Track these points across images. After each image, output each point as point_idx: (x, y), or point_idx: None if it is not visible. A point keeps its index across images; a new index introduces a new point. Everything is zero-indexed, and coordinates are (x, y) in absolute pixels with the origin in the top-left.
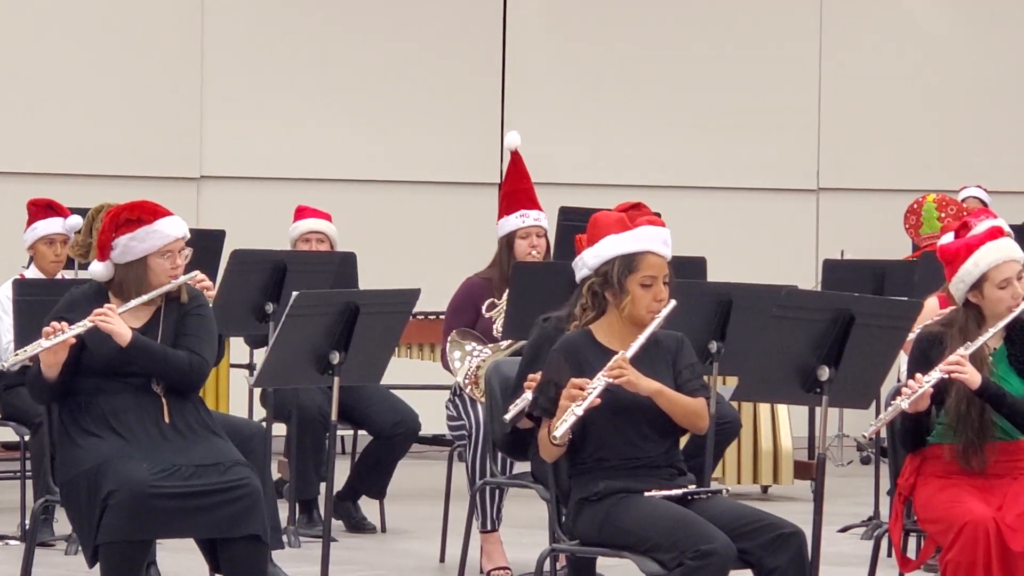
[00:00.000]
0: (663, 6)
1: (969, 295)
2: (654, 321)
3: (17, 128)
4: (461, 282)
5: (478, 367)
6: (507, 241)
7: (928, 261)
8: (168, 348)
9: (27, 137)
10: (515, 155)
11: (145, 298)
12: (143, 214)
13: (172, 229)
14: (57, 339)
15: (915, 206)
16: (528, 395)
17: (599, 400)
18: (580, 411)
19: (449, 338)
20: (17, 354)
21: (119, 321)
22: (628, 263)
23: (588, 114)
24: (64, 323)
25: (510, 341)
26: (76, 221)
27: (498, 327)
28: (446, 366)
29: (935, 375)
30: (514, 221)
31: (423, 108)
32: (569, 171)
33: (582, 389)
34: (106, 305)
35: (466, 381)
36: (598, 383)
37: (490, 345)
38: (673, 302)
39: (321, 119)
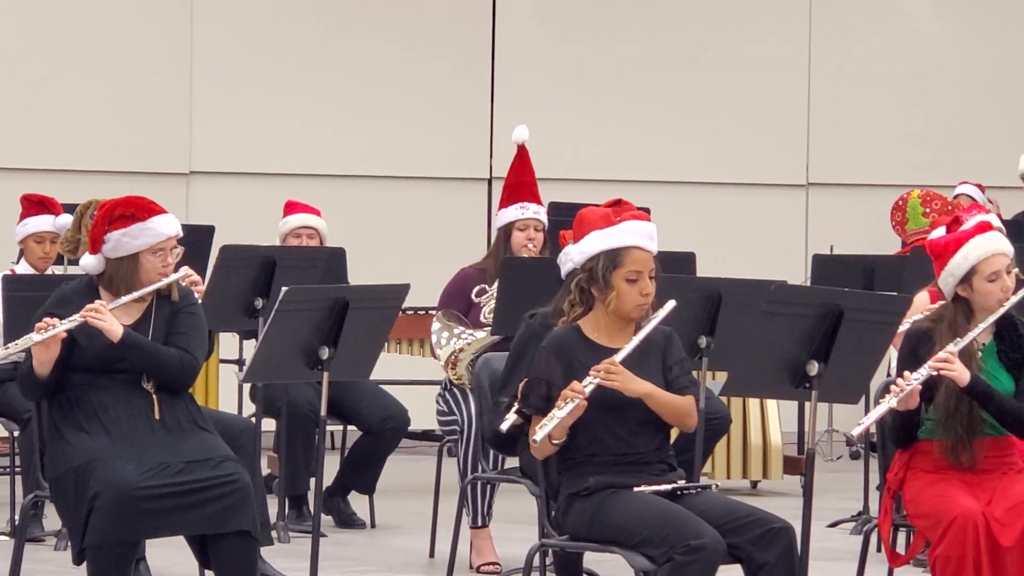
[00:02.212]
0: (653, 3)
1: (958, 289)
2: (651, 322)
3: (7, 124)
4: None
5: (460, 350)
6: (505, 232)
7: (917, 256)
8: (160, 345)
9: (17, 133)
10: (522, 149)
11: (136, 295)
12: (137, 211)
13: (165, 227)
14: (48, 334)
15: (900, 202)
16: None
17: (585, 404)
18: (562, 415)
19: (436, 316)
20: (8, 348)
21: (110, 317)
22: (613, 258)
23: (577, 110)
24: (55, 319)
25: (496, 334)
26: (67, 220)
27: (486, 312)
28: (433, 353)
29: (923, 372)
30: (513, 212)
31: (413, 104)
32: (559, 167)
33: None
34: (97, 302)
35: (445, 362)
36: (588, 386)
37: (469, 331)
38: (672, 303)
39: (311, 115)
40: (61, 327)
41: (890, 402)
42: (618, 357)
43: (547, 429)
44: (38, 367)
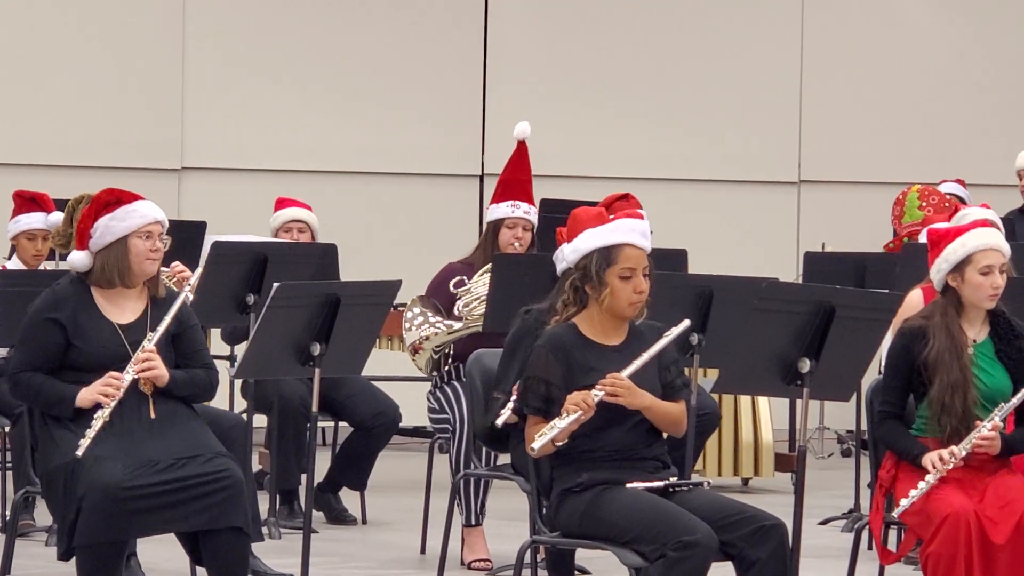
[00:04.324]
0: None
1: (949, 278)
2: (663, 340)
3: None
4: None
5: (427, 338)
6: (494, 228)
7: (909, 253)
8: (190, 374)
9: (9, 128)
10: (521, 145)
11: (168, 319)
12: (122, 196)
13: (151, 211)
14: (114, 404)
15: (901, 196)
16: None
17: (591, 416)
18: (564, 424)
19: (414, 300)
20: (81, 444)
21: (160, 363)
22: (606, 256)
23: (569, 107)
24: (116, 379)
25: (488, 330)
26: (59, 217)
27: (460, 305)
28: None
29: (965, 450)
30: (504, 209)
31: (405, 100)
32: (550, 163)
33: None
34: (144, 350)
35: (410, 346)
36: (595, 398)
37: (445, 321)
38: (687, 322)
39: (302, 111)
40: (123, 390)
41: (931, 480)
42: (625, 372)
43: (547, 438)
44: (80, 404)
